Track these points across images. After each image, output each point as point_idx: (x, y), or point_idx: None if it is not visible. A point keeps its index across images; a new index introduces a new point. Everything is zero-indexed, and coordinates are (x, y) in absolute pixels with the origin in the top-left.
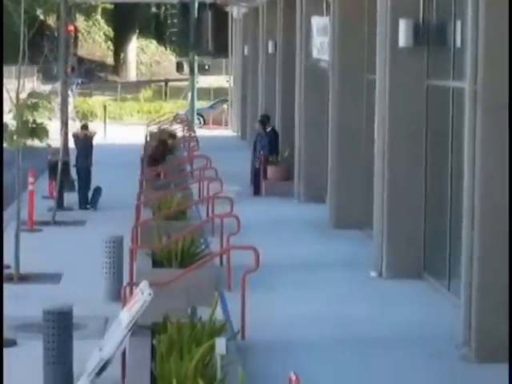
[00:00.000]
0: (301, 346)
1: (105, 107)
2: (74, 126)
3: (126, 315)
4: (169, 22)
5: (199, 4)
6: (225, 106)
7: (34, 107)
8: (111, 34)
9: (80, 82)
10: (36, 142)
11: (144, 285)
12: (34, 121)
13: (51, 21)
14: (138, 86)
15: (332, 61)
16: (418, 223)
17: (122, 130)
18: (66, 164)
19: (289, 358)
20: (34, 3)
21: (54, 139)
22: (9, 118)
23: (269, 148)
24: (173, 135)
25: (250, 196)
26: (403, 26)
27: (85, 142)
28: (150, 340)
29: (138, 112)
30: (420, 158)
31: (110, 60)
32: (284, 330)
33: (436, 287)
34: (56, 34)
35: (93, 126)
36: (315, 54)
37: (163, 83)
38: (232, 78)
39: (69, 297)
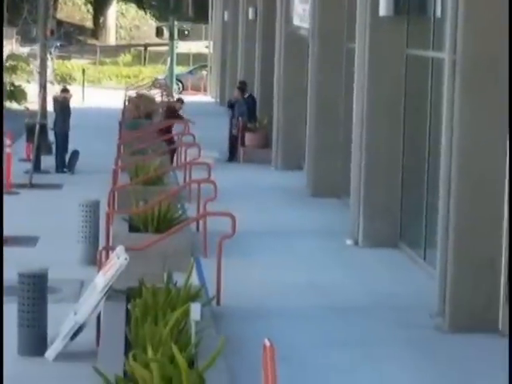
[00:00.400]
0: (275, 313)
1: (83, 71)
2: (53, 90)
3: (101, 279)
4: None
5: None
6: (204, 71)
7: (13, 70)
8: None
9: (59, 45)
10: (14, 105)
11: (120, 249)
12: (13, 83)
13: None
14: (117, 50)
15: (312, 29)
16: (394, 192)
17: (100, 94)
18: (43, 127)
19: (263, 325)
20: None
21: (32, 102)
22: None
23: (247, 115)
24: (181, 100)
25: (227, 162)
26: None
27: (63, 105)
28: (124, 304)
29: (117, 76)
30: (398, 128)
31: (89, 23)
32: (259, 296)
33: (412, 257)
34: None
35: (71, 89)
36: (297, 22)
37: (142, 48)
38: (211, 43)
39: (44, 260)
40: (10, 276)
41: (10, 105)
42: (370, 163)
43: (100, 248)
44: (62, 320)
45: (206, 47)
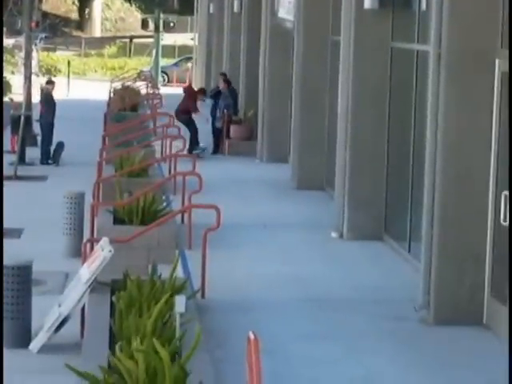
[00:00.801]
0: (260, 306)
1: (68, 62)
2: (38, 81)
3: (85, 271)
4: None
5: None
6: (189, 63)
7: None
8: None
9: (44, 36)
10: None
11: (104, 241)
12: None
13: None
14: (102, 42)
15: (297, 21)
16: (379, 185)
17: (85, 85)
18: (28, 118)
19: (248, 318)
20: None
21: (17, 93)
22: None
23: (233, 107)
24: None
25: (212, 155)
26: None
27: (48, 96)
28: (109, 297)
29: (102, 68)
30: (383, 121)
31: (74, 15)
32: (244, 289)
33: (396, 249)
34: None
35: (56, 81)
36: (282, 14)
37: (128, 40)
38: (197, 36)
39: (29, 252)
40: None
41: None
42: (354, 156)
43: (84, 240)
44: (46, 312)
45: (192, 39)
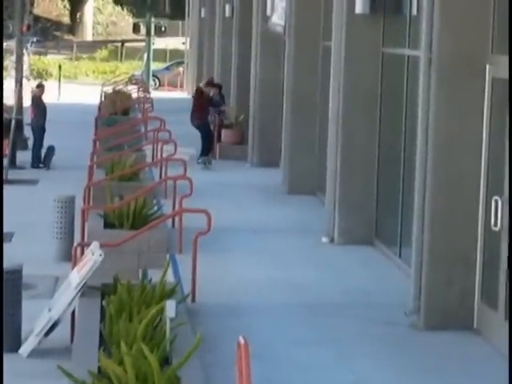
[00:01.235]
0: (251, 311)
1: (60, 66)
2: (29, 85)
3: (76, 275)
4: None
5: None
6: (180, 68)
7: None
8: None
9: (35, 40)
10: None
11: (95, 246)
12: None
13: None
14: (93, 45)
15: (288, 26)
16: (370, 190)
17: (76, 89)
18: (19, 122)
19: (239, 322)
20: None
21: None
22: None
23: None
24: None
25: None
26: None
27: (38, 100)
28: (99, 301)
29: (94, 72)
30: (374, 125)
31: (66, 19)
32: (234, 293)
33: (387, 254)
34: None
35: (47, 85)
36: (276, 19)
37: (119, 44)
38: (188, 40)
39: (19, 256)
40: None
41: None
42: (345, 161)
43: (75, 244)
44: (36, 316)
45: (183, 43)
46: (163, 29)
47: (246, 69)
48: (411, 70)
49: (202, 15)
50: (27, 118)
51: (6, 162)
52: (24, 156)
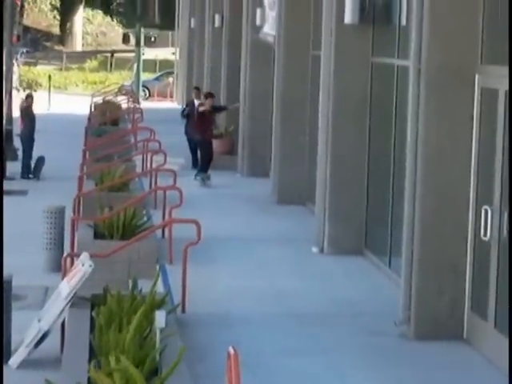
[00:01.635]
0: (241, 321)
1: (49, 77)
2: (19, 96)
3: (65, 286)
4: None
5: None
6: (170, 78)
7: None
8: (57, 3)
9: (25, 51)
10: None
11: (85, 256)
12: None
13: None
14: (83, 56)
15: (277, 36)
16: (360, 200)
17: (66, 100)
18: (9, 133)
19: (228, 333)
20: None
21: None
22: None
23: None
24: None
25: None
26: (349, 2)
27: (27, 111)
28: (89, 312)
29: (83, 82)
30: (363, 135)
31: (55, 30)
32: (224, 304)
33: (377, 264)
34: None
35: (37, 95)
36: (267, 29)
37: (109, 54)
38: (178, 50)
39: (9, 266)
40: None
41: None
42: (335, 171)
43: (65, 255)
44: (26, 327)
45: (173, 54)
46: (153, 39)
47: (235, 79)
48: (401, 80)
49: (192, 25)
50: (17, 128)
51: None
52: (14, 167)
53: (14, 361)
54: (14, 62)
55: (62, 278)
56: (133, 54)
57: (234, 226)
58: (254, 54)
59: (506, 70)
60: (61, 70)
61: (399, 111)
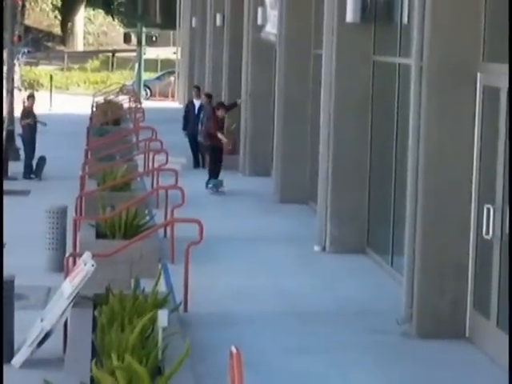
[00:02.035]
0: (243, 320)
1: (51, 77)
2: (20, 96)
3: (68, 286)
4: None
5: None
6: (171, 77)
7: None
8: (59, 3)
9: (27, 51)
10: None
11: (87, 256)
12: None
13: None
14: (85, 56)
15: (279, 34)
16: (362, 198)
17: (68, 100)
18: (10, 133)
19: (231, 332)
20: None
21: None
22: None
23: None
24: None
25: (195, 168)
26: (351, 1)
27: (29, 111)
28: (91, 311)
29: (85, 82)
30: (365, 134)
31: (57, 30)
32: (226, 303)
33: (379, 263)
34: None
35: (38, 95)
36: (270, 28)
37: (110, 54)
38: (179, 50)
39: (11, 267)
40: None
41: None
42: (337, 169)
43: (67, 254)
44: (28, 327)
45: (174, 53)
46: (154, 39)
47: (237, 78)
48: (402, 78)
49: (193, 25)
50: (18, 128)
51: None
52: (16, 167)
53: (17, 360)
54: (16, 61)
55: (65, 278)
56: (134, 54)
57: (235, 225)
58: (256, 52)
59: (507, 67)
60: (62, 69)
61: (401, 109)
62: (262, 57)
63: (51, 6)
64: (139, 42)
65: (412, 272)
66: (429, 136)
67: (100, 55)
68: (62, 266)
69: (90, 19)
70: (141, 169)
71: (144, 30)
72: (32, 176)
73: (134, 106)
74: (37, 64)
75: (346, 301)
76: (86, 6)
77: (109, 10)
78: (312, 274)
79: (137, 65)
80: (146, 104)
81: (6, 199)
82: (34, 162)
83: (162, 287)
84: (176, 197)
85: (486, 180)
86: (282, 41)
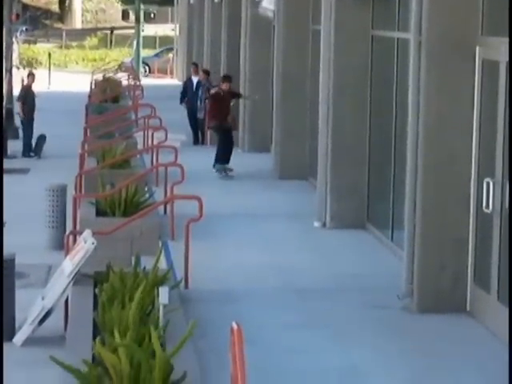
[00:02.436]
0: (243, 296)
1: (49, 55)
2: (19, 74)
3: (68, 264)
4: None
5: None
6: (170, 54)
7: None
8: None
9: (25, 29)
10: None
11: (87, 234)
12: None
13: None
14: (83, 33)
15: (277, 11)
16: (361, 174)
17: (66, 77)
18: (9, 111)
19: (231, 308)
20: None
21: None
22: None
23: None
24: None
25: (195, 145)
26: None
27: (28, 89)
28: (92, 289)
29: (83, 60)
30: (364, 109)
31: (55, 7)
32: (227, 279)
33: (379, 238)
34: None
35: (37, 73)
36: (266, 4)
37: (109, 31)
38: (178, 26)
39: (11, 245)
40: None
41: None
42: (336, 145)
43: (67, 232)
44: (29, 305)
45: (172, 30)
46: (152, 15)
47: (235, 54)
48: (401, 53)
49: (191, 1)
50: (17, 106)
51: None
52: (15, 145)
53: (19, 338)
54: (14, 40)
55: (65, 256)
56: (132, 31)
57: (235, 202)
58: (254, 29)
59: (506, 41)
60: (60, 47)
61: (400, 84)
62: (261, 33)
63: None
64: (137, 19)
65: (412, 247)
66: (428, 110)
67: (98, 33)
68: (62, 244)
69: None
70: (140, 146)
71: (142, 6)
72: (31, 154)
73: (132, 83)
74: (35, 42)
75: (346, 276)
76: None
77: None
78: (312, 249)
79: (135, 42)
80: (145, 81)
81: (5, 177)
82: (34, 141)
83: (163, 264)
84: (176, 174)
85: (485, 154)
86: (281, 17)
